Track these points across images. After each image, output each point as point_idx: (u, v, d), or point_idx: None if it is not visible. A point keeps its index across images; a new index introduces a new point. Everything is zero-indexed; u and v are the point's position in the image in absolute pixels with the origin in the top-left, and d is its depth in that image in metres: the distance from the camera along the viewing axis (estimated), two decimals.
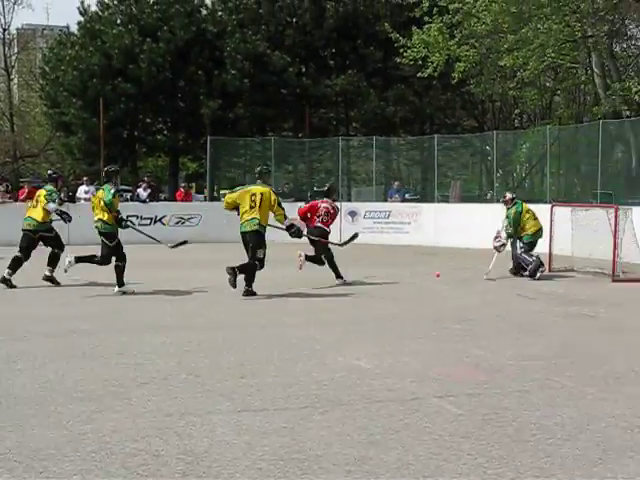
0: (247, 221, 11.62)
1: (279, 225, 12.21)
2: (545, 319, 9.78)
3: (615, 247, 13.90)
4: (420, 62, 26.01)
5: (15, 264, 12.52)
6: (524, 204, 14.94)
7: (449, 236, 21.10)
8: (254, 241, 11.56)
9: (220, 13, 32.20)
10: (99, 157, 28.53)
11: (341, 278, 13.13)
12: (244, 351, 7.60)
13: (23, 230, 12.87)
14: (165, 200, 28.62)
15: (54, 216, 12.99)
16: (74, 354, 7.40)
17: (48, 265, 12.71)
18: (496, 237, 14.58)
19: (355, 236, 13.67)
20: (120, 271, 11.87)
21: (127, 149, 32.29)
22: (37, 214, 12.81)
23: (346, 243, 13.62)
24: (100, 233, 12.03)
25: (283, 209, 11.79)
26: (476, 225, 20.15)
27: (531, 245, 14.67)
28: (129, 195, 28.01)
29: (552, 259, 15.18)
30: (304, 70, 31.95)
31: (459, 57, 25.65)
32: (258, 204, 11.58)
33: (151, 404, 5.71)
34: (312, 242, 13.29)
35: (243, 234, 11.69)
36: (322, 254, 13.21)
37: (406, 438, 4.97)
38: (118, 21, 31.78)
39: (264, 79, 29.80)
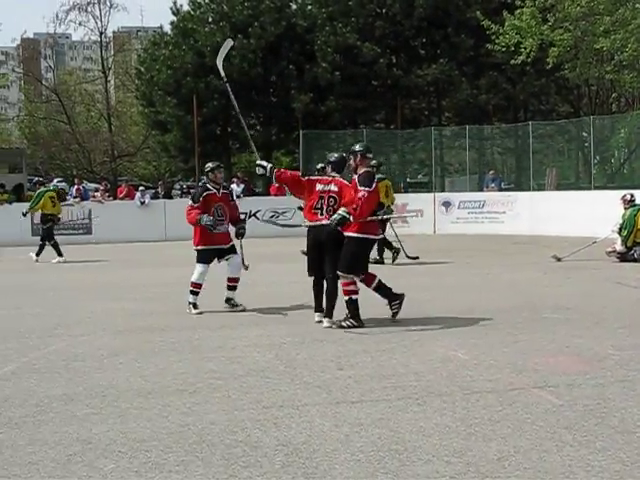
0: None
1: None
2: None
3: None
4: (513, 48, 25.52)
5: None
6: None
7: (546, 225, 20.70)
8: None
9: (310, 7, 32.31)
10: (194, 154, 28.98)
11: None
12: (341, 343, 7.59)
13: None
14: (259, 195, 28.78)
15: None
16: (174, 348, 7.53)
17: None
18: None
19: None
20: None
21: (221, 145, 32.73)
22: None
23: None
24: None
25: None
26: (574, 213, 19.75)
27: None
28: None
29: None
30: (395, 61, 31.75)
31: (553, 42, 25.05)
32: None
33: (249, 396, 5.77)
34: None
35: None
36: None
37: (506, 429, 4.89)
38: (210, 19, 32.25)
39: (355, 71, 29.78)
